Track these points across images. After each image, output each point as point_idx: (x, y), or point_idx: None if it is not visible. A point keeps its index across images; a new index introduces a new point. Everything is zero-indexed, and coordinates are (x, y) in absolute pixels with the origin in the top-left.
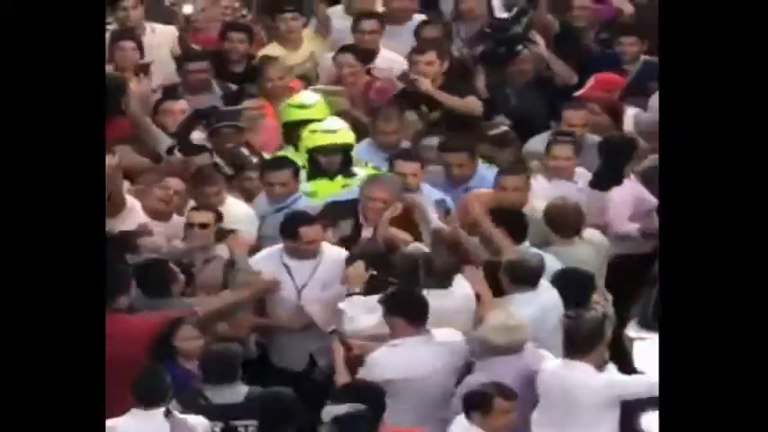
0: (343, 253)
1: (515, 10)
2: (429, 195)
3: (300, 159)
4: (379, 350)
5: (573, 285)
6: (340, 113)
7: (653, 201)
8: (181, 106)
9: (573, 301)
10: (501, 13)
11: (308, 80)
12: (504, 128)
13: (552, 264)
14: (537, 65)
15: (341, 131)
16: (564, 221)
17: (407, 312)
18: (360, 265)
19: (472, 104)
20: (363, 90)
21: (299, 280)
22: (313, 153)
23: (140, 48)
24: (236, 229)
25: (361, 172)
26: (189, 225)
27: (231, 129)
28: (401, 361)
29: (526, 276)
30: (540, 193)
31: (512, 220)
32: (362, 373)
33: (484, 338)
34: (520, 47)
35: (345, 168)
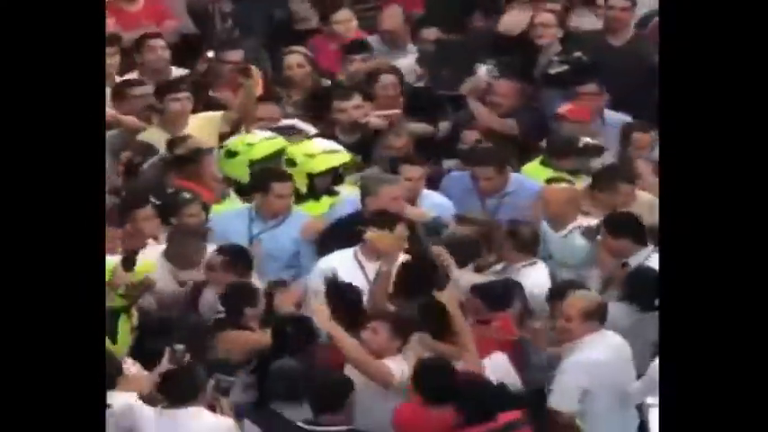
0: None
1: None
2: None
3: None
4: None
5: None
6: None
7: None
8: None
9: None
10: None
11: None
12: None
13: None
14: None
15: (340, 152)
16: None
17: None
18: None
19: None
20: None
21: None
22: (314, 177)
23: None
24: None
25: (344, 189)
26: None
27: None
28: None
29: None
30: None
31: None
32: None
33: None
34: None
35: (329, 188)
